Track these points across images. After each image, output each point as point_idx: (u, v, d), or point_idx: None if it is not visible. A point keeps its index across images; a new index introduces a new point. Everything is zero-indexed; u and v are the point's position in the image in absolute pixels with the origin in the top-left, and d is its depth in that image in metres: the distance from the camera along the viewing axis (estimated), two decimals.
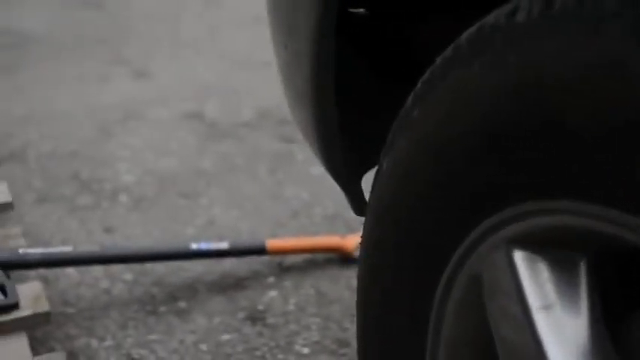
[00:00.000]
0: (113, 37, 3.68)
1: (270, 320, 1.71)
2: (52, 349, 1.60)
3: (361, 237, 0.91)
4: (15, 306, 1.51)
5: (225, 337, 1.66)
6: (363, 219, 2.09)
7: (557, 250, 0.68)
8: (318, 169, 2.39)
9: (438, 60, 0.77)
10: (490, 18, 0.70)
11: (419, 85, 0.79)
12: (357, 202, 1.13)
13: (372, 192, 0.88)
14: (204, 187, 2.30)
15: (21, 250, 1.68)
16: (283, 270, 1.90)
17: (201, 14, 4.09)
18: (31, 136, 2.63)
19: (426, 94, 0.77)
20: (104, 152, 2.51)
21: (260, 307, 1.75)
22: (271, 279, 1.86)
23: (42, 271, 1.85)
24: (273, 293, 1.81)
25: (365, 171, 1.18)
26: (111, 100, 2.93)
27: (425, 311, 0.82)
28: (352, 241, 1.92)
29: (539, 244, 0.68)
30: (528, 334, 0.66)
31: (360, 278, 0.92)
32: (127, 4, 4.24)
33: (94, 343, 1.64)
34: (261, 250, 1.86)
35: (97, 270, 1.88)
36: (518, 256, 0.69)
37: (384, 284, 0.87)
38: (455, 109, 0.73)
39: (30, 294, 1.55)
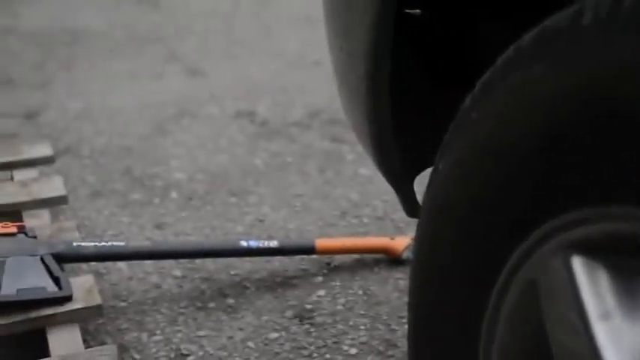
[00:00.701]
0: (168, 35, 3.72)
1: (318, 319, 1.70)
2: (103, 342, 1.62)
3: (414, 238, 0.90)
4: (68, 298, 1.53)
5: (273, 335, 1.66)
6: (411, 221, 2.08)
7: (618, 257, 0.66)
8: (368, 170, 2.38)
9: (499, 61, 0.75)
10: (553, 19, 0.69)
11: (477, 86, 0.78)
12: (409, 203, 1.12)
13: (426, 193, 0.87)
14: (254, 185, 2.31)
15: (75, 244, 1.70)
16: (332, 270, 1.89)
17: (255, 13, 4.11)
18: (86, 131, 2.66)
19: (485, 95, 0.76)
20: (157, 149, 2.53)
21: (308, 306, 1.75)
22: (320, 278, 1.86)
23: (94, 264, 1.88)
24: (321, 292, 1.80)
25: (418, 172, 1.17)
26: (164, 98, 2.95)
27: (478, 314, 0.80)
28: (401, 243, 1.91)
29: (599, 251, 0.67)
30: (586, 343, 0.65)
31: (412, 279, 0.91)
32: (182, 2, 4.28)
33: (144, 337, 1.65)
34: (310, 250, 1.86)
35: (148, 265, 1.90)
36: (578, 262, 0.67)
37: (437, 286, 0.86)
38: (515, 111, 0.71)
39: (83, 287, 1.57)
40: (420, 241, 0.88)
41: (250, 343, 1.63)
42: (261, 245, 1.82)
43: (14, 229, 1.71)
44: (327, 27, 1.15)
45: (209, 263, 1.90)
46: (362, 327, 1.68)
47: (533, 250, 0.72)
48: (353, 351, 1.61)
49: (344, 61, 1.06)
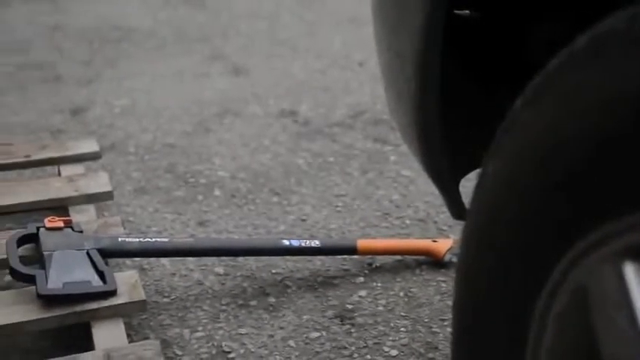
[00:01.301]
0: (213, 34, 3.74)
1: (359, 320, 1.70)
2: (146, 337, 1.63)
3: (460, 240, 0.89)
4: (113, 293, 1.54)
5: (314, 334, 1.66)
6: (454, 223, 2.06)
7: None
8: (411, 171, 2.37)
9: (551, 64, 0.74)
10: (609, 21, 0.68)
11: (529, 88, 0.77)
12: (456, 205, 1.11)
13: (474, 195, 0.86)
14: (297, 185, 2.31)
15: (120, 239, 1.71)
16: (373, 270, 1.89)
17: (299, 14, 4.11)
18: (132, 128, 2.69)
19: (537, 97, 0.75)
20: (201, 146, 2.55)
21: (349, 307, 1.75)
22: (361, 279, 1.85)
23: (137, 260, 1.89)
24: (362, 293, 1.80)
25: (465, 174, 1.16)
26: (208, 96, 2.97)
27: (525, 320, 0.79)
28: (444, 245, 1.89)
29: None
30: (638, 350, 0.64)
31: (457, 281, 0.90)
32: (227, 2, 4.30)
33: (186, 333, 1.66)
34: (351, 250, 1.86)
35: (190, 262, 1.91)
36: (630, 270, 0.66)
37: (483, 290, 0.85)
38: (567, 114, 0.70)
39: (127, 282, 1.59)
40: (466, 243, 0.87)
41: (291, 342, 1.64)
42: (302, 244, 1.82)
43: (61, 224, 1.74)
44: (375, 27, 1.15)
45: (251, 261, 1.91)
46: (403, 329, 1.67)
47: (584, 256, 0.71)
48: (394, 352, 1.60)
49: (392, 61, 1.05)
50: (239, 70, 3.27)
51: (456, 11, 1.10)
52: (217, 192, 2.27)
